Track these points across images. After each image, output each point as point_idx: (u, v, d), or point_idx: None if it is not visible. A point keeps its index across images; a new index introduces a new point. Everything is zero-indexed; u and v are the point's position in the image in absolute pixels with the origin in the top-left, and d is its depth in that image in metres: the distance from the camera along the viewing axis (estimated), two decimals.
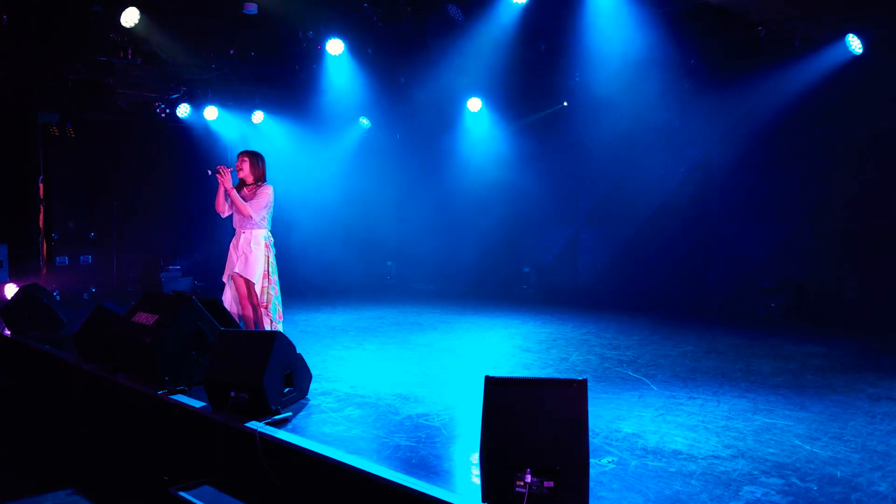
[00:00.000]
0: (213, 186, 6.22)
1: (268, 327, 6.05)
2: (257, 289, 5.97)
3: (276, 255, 6.24)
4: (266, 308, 6.02)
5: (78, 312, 7.68)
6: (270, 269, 6.07)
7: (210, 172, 6.08)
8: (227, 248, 6.20)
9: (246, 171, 6.12)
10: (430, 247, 12.80)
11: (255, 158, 6.18)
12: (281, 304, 6.17)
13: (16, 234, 10.13)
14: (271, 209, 6.14)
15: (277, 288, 6.14)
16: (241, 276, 6.02)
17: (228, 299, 6.12)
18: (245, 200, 6.05)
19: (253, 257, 5.98)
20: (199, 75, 10.55)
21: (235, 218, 6.12)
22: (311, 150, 12.55)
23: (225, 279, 6.18)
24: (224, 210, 6.13)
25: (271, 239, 6.16)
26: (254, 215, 6.00)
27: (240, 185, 6.17)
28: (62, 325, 7.39)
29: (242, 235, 6.06)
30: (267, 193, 6.09)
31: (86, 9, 8.23)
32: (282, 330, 6.08)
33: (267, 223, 6.12)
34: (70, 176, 10.86)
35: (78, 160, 10.94)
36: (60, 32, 8.54)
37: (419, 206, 12.84)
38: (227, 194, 6.05)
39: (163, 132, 11.73)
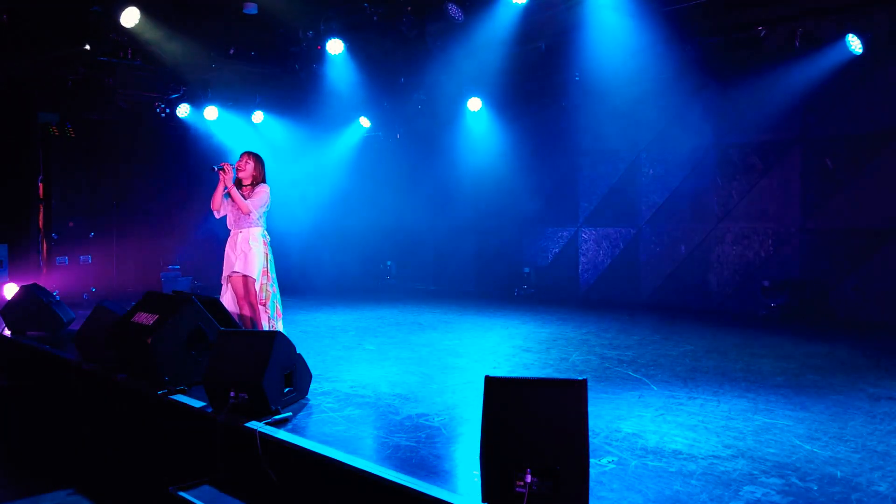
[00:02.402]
0: (213, 185, 6.21)
1: (265, 325, 6.05)
2: (256, 286, 5.98)
3: (275, 255, 6.25)
4: (264, 305, 6.03)
5: (78, 312, 7.68)
6: (269, 267, 6.09)
7: (214, 168, 6.08)
8: (224, 250, 6.20)
9: (248, 172, 6.10)
10: (429, 247, 12.81)
11: (259, 160, 6.21)
12: (280, 303, 6.18)
13: (16, 234, 10.13)
14: (268, 208, 6.17)
15: (276, 286, 6.16)
16: (241, 275, 6.01)
17: (227, 300, 6.12)
18: (247, 197, 6.07)
19: (252, 254, 5.99)
20: (199, 75, 10.55)
21: (230, 218, 6.12)
22: (311, 149, 12.56)
23: (224, 280, 6.17)
24: (219, 208, 6.11)
25: (268, 237, 6.17)
26: (253, 212, 6.01)
27: (236, 184, 6.16)
28: (62, 325, 7.38)
29: (240, 234, 6.06)
30: (265, 192, 6.11)
31: (86, 9, 8.23)
32: (281, 328, 6.10)
33: (263, 222, 6.14)
34: (70, 176, 10.86)
35: (78, 160, 10.94)
36: (60, 32, 8.54)
37: (419, 205, 12.84)
38: (227, 192, 6.05)
39: (163, 132, 11.74)
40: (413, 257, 13.07)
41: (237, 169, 6.12)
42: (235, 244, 6.07)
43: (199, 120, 11.36)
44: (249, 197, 6.06)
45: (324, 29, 9.15)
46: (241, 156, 6.20)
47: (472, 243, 12.23)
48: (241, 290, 6.06)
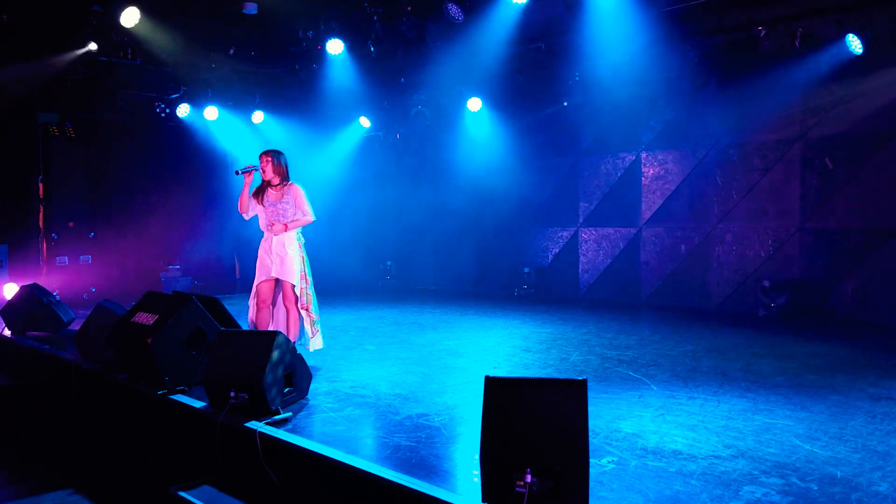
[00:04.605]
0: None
1: (308, 328, 5.93)
2: (297, 290, 5.86)
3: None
4: (307, 309, 5.90)
5: (78, 312, 7.68)
6: (307, 270, 5.96)
7: (238, 172, 5.95)
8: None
9: (270, 172, 5.98)
10: (430, 247, 12.81)
11: (278, 157, 6.02)
12: (316, 305, 6.08)
13: (16, 234, 10.12)
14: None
15: (313, 288, 6.05)
16: (278, 280, 5.92)
17: (252, 304, 6.03)
18: (273, 201, 5.95)
19: (289, 258, 5.86)
20: (199, 75, 10.56)
21: (263, 220, 6.01)
22: (311, 150, 12.55)
23: (257, 283, 5.98)
24: (247, 210, 6.01)
25: (303, 239, 6.05)
26: (313, 217, 5.96)
27: (263, 185, 6.05)
28: (62, 325, 7.39)
29: (275, 237, 5.93)
30: (302, 193, 5.97)
31: (86, 9, 8.24)
32: (320, 330, 6.05)
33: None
34: (70, 176, 10.85)
35: (78, 160, 10.93)
36: (61, 32, 8.54)
37: (419, 205, 12.85)
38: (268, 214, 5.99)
39: (163, 132, 11.73)
40: (413, 257, 13.07)
41: (261, 171, 5.98)
42: (271, 248, 5.93)
43: (199, 120, 11.36)
44: (281, 199, 5.94)
45: (324, 29, 9.15)
46: (261, 156, 6.04)
47: (472, 243, 12.23)
48: (265, 294, 5.94)
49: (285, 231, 5.91)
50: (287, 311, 5.98)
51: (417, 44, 8.86)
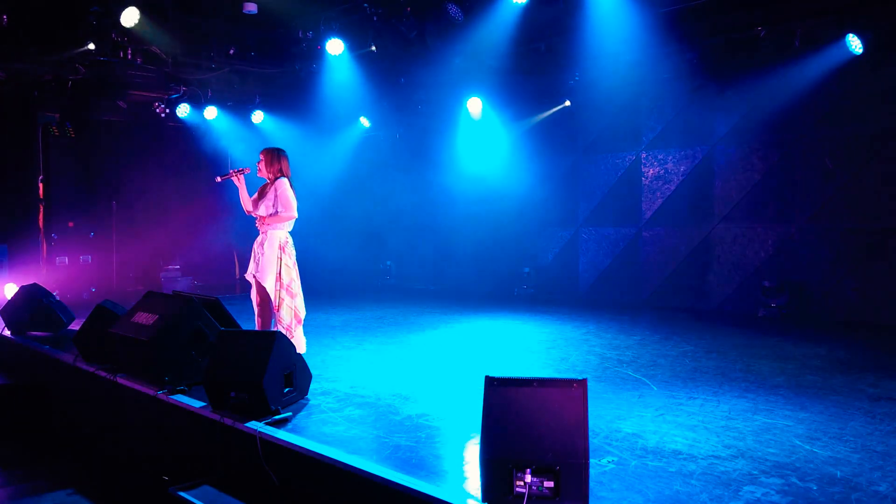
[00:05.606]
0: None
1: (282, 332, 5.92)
2: (270, 292, 5.87)
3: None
4: (277, 311, 5.87)
5: (78, 312, 7.68)
6: (283, 272, 5.88)
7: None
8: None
9: (262, 170, 6.04)
10: (429, 247, 12.81)
11: (270, 155, 6.05)
12: (302, 308, 5.99)
13: (16, 234, 10.13)
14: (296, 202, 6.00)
15: (296, 291, 5.96)
16: (255, 278, 5.97)
17: (253, 295, 6.10)
18: (263, 197, 5.98)
19: (265, 259, 5.87)
20: (199, 75, 10.56)
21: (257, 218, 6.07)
22: (311, 150, 12.56)
23: (247, 277, 6.11)
24: (250, 210, 6.06)
25: (289, 240, 6.01)
26: (293, 214, 5.90)
27: (265, 184, 6.12)
28: (62, 325, 7.39)
29: (261, 236, 5.98)
30: (285, 188, 5.91)
31: (86, 9, 8.24)
32: (300, 334, 6.00)
33: (289, 224, 5.99)
34: (70, 176, 10.87)
35: (78, 160, 10.95)
36: (60, 32, 8.54)
37: (419, 205, 12.85)
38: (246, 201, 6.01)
39: (163, 132, 11.74)
40: (413, 257, 13.07)
41: (258, 170, 6.06)
42: (256, 245, 6.01)
43: (198, 120, 11.37)
44: (267, 195, 5.96)
45: (324, 29, 9.15)
46: (259, 155, 6.12)
47: (472, 243, 12.22)
48: (260, 293, 6.02)
49: (263, 224, 5.93)
50: (260, 309, 6.02)
51: (417, 44, 8.86)
